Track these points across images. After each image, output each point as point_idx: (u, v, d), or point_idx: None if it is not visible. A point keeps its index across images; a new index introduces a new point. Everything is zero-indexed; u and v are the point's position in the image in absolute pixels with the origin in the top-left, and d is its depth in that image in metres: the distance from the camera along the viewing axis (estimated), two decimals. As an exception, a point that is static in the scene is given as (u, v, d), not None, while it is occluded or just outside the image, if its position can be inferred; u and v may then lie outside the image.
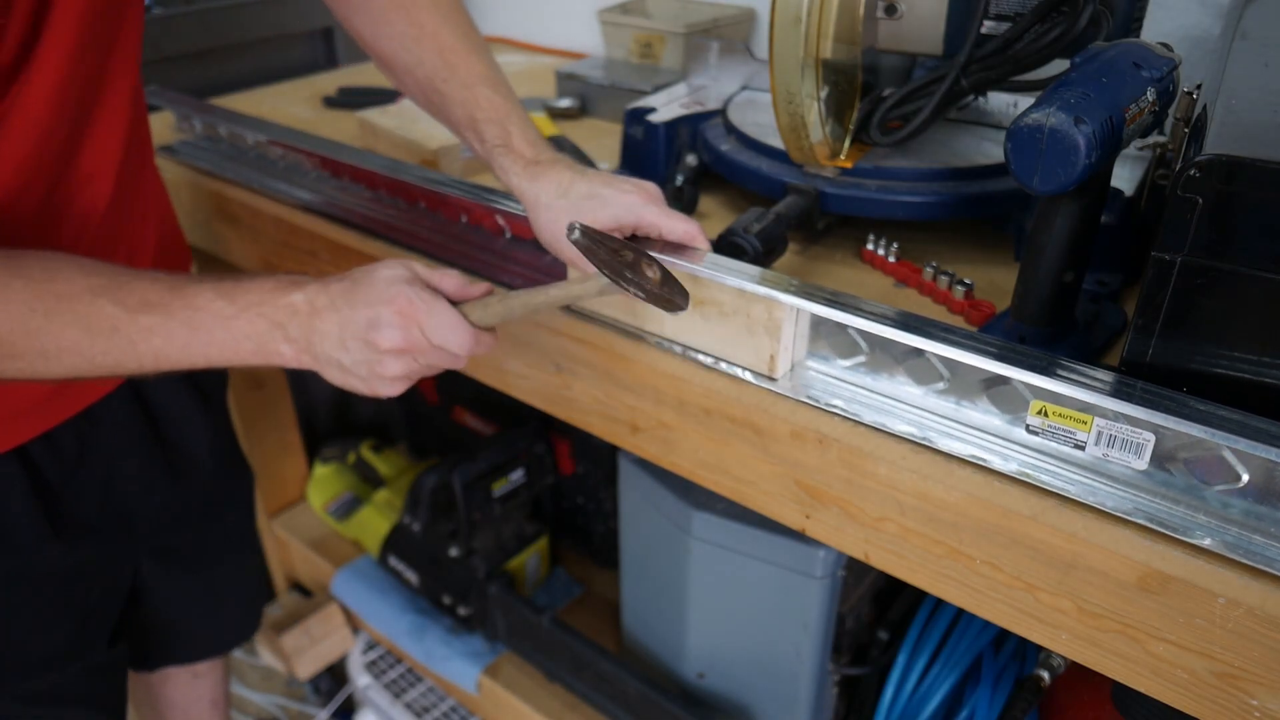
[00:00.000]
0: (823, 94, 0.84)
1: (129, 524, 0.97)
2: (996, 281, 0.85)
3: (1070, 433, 0.61)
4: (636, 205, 0.71)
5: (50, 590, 0.91)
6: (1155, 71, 0.66)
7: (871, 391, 0.71)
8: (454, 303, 0.68)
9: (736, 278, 0.70)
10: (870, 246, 0.89)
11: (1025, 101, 0.99)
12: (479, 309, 0.68)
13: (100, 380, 0.88)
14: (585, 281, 0.69)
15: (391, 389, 0.68)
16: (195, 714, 1.31)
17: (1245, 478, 0.56)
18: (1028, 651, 1.15)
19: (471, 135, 0.79)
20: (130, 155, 0.85)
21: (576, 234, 0.62)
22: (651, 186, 0.73)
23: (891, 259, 0.87)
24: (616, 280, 0.64)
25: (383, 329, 0.64)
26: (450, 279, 0.69)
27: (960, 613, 1.14)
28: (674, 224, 0.71)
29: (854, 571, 1.09)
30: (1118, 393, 0.58)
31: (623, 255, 0.65)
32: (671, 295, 0.67)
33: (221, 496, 1.15)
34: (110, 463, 0.93)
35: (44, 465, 0.86)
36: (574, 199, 0.71)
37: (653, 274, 0.65)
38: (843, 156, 0.91)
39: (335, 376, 0.67)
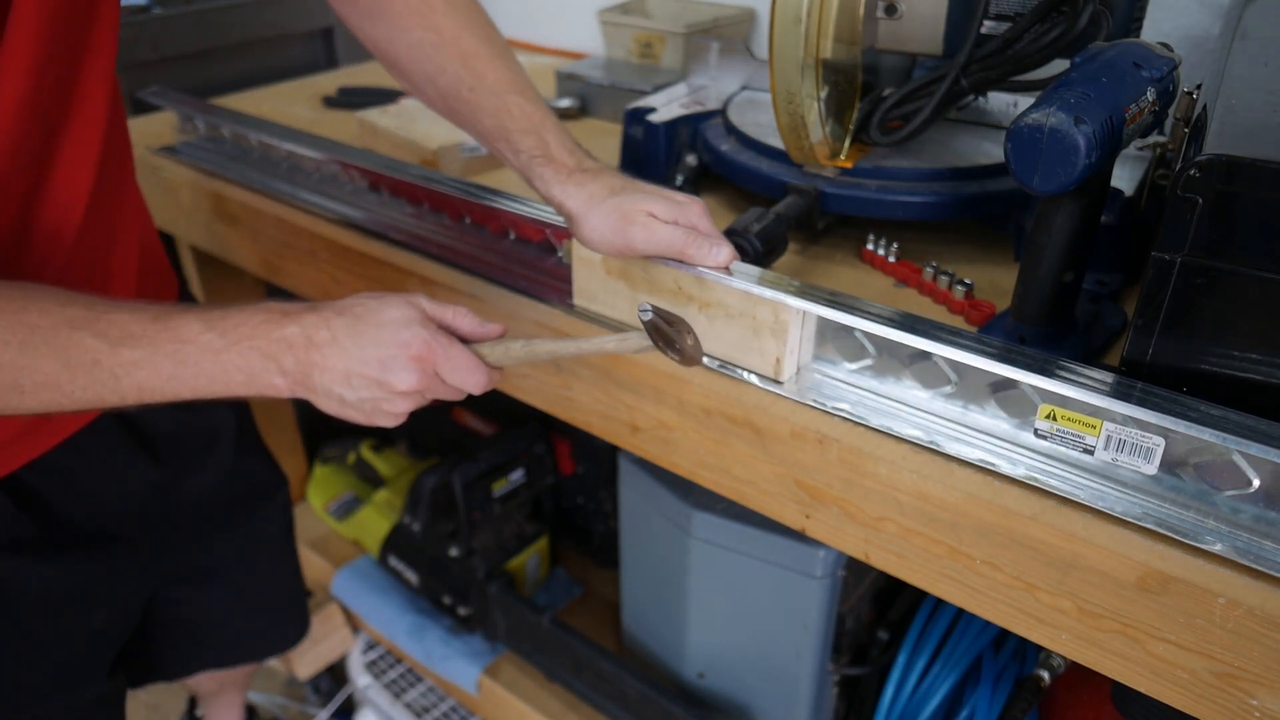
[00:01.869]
0: (823, 94, 0.84)
1: (131, 541, 0.94)
2: (996, 281, 0.85)
3: (1079, 437, 0.61)
4: (695, 215, 0.71)
5: (37, 623, 0.87)
6: (1155, 71, 0.66)
7: (878, 395, 0.71)
8: (466, 341, 0.67)
9: (743, 280, 0.70)
10: (870, 246, 0.89)
11: (1025, 101, 0.99)
12: (497, 350, 0.68)
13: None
14: (623, 340, 0.69)
15: (392, 422, 0.67)
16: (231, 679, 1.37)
17: (1256, 483, 0.56)
18: (1028, 651, 1.15)
19: (504, 145, 0.77)
20: (106, 173, 0.80)
21: (649, 314, 0.64)
22: (701, 201, 0.72)
23: (891, 259, 0.87)
24: (666, 351, 0.66)
25: (398, 371, 0.63)
26: (464, 319, 0.67)
27: (960, 613, 1.14)
28: (720, 253, 0.70)
29: (854, 571, 1.09)
30: (1128, 397, 0.58)
31: (676, 327, 0.66)
32: (697, 356, 0.69)
33: (243, 499, 1.12)
34: (103, 483, 0.90)
35: (30, 493, 0.83)
36: (629, 194, 0.71)
37: (691, 340, 0.68)
38: (843, 156, 0.91)
39: (332, 408, 0.66)
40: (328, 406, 0.66)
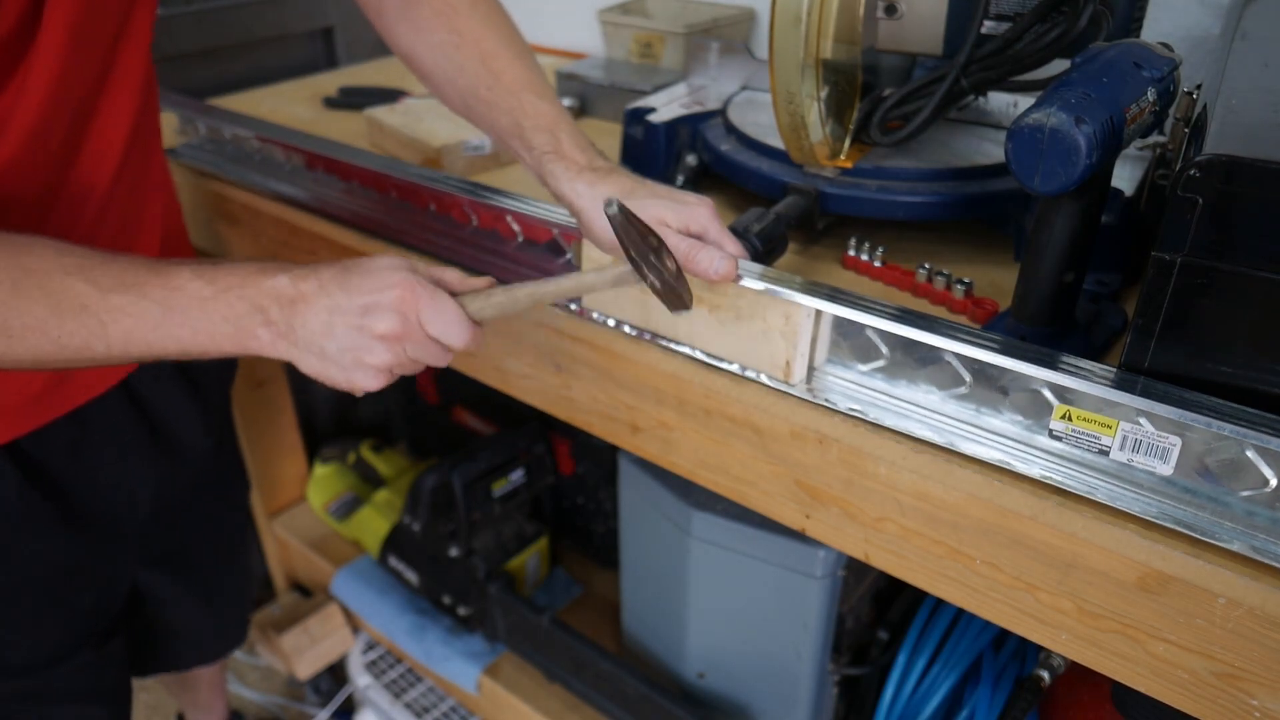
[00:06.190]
0: (823, 94, 0.84)
1: (120, 525, 0.96)
2: (996, 282, 0.85)
3: (1095, 438, 0.61)
4: (704, 217, 0.70)
5: (32, 594, 0.89)
6: (1155, 71, 0.66)
7: (890, 396, 0.71)
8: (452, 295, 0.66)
9: (751, 281, 0.70)
10: (852, 252, 0.87)
11: (1025, 101, 0.99)
12: (479, 300, 0.66)
13: (92, 377, 0.87)
14: (601, 272, 0.66)
15: (370, 382, 0.65)
16: (208, 678, 1.41)
17: (1274, 482, 0.55)
18: (1028, 651, 1.15)
19: (518, 143, 0.77)
20: (134, 150, 0.84)
21: (614, 209, 0.60)
22: (710, 202, 0.72)
23: (877, 264, 0.87)
24: (640, 265, 0.62)
25: (380, 314, 0.62)
26: (451, 273, 0.67)
27: (960, 613, 1.14)
28: (721, 266, 0.70)
29: (854, 571, 1.09)
30: (1147, 395, 0.58)
31: (650, 240, 0.63)
32: (681, 291, 0.65)
33: (216, 500, 1.15)
34: (100, 464, 0.92)
35: (33, 464, 0.85)
36: (641, 198, 0.70)
37: (671, 265, 0.64)
38: (843, 156, 0.91)
39: (312, 365, 0.64)
40: (307, 364, 0.64)
